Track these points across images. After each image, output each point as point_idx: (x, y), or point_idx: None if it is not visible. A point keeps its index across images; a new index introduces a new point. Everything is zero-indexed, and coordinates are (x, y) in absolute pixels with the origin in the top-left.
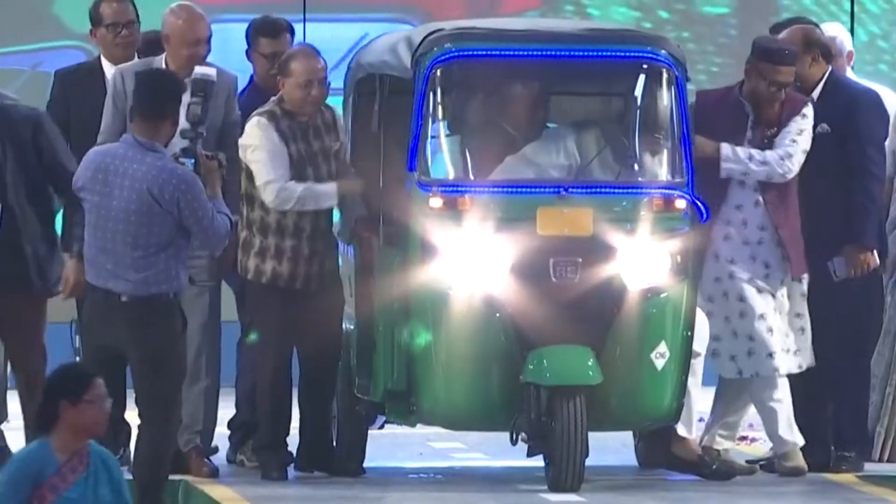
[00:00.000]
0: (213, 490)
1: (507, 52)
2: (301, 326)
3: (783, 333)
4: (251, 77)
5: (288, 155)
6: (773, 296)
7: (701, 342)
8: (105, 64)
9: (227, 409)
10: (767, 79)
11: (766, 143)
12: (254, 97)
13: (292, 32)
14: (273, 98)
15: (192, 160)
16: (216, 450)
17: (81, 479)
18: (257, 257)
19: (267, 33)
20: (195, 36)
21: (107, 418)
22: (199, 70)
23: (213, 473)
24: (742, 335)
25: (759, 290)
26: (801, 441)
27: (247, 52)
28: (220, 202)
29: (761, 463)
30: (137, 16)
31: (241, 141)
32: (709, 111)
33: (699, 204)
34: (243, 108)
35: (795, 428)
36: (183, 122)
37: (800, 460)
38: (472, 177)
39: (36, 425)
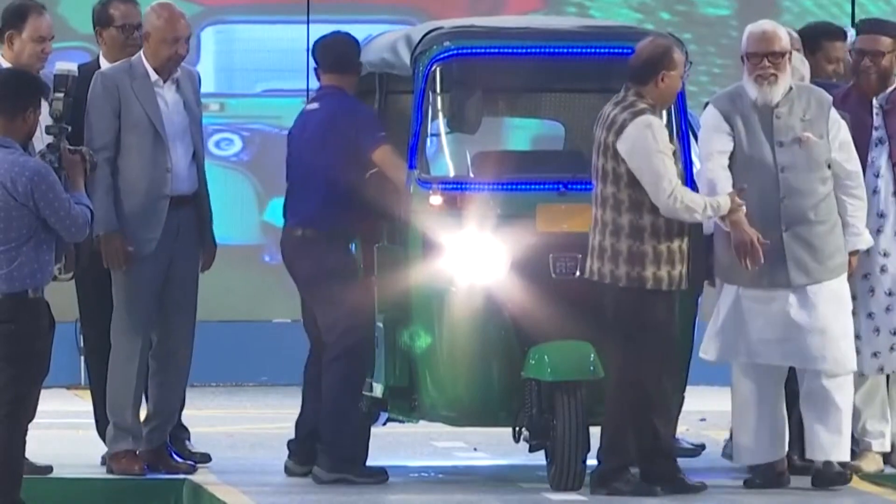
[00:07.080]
0: (219, 491)
1: (506, 50)
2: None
3: None
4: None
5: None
6: None
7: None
8: (104, 64)
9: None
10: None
11: None
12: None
13: None
14: (639, 96)
15: (57, 155)
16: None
17: None
18: (653, 265)
19: None
20: (175, 35)
21: None
22: (60, 66)
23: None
24: (885, 331)
25: None
26: None
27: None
28: (80, 195)
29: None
30: None
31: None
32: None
33: None
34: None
35: None
36: (47, 119)
37: None
38: (471, 174)
39: None
